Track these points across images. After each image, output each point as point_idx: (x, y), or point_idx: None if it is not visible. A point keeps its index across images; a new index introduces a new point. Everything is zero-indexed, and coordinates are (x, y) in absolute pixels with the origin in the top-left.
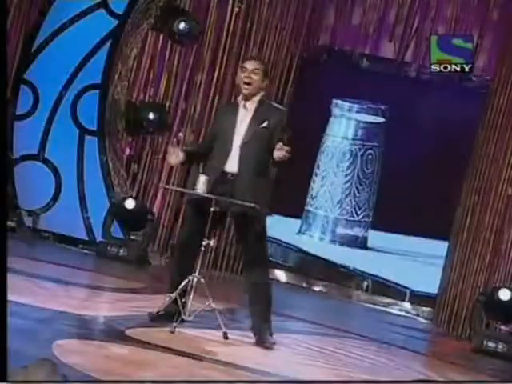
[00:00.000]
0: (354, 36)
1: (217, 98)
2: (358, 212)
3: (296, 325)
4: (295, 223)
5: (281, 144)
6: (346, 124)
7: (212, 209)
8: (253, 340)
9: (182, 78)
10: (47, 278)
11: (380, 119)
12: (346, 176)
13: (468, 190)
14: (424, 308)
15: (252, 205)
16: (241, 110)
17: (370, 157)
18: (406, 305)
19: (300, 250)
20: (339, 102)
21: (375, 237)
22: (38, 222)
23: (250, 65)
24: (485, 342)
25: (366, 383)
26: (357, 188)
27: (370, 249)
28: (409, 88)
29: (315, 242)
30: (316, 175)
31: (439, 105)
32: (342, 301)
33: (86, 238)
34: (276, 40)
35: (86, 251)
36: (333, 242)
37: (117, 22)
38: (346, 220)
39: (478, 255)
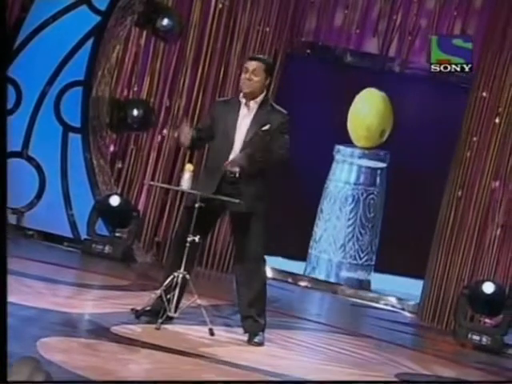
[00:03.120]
0: (338, 31)
1: (201, 94)
2: (361, 255)
3: (282, 320)
4: (300, 266)
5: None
6: (348, 169)
7: (197, 205)
8: (239, 336)
9: (166, 74)
10: (32, 275)
11: (381, 164)
12: (349, 220)
13: (451, 185)
14: (409, 302)
15: (237, 201)
16: (242, 109)
17: (372, 201)
18: (392, 299)
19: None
20: (341, 147)
21: (378, 280)
22: (22, 220)
23: (250, 65)
24: (469, 335)
25: (364, 383)
26: (360, 232)
27: (374, 291)
28: (392, 82)
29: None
30: (319, 219)
31: (422, 99)
32: (327, 295)
33: (71, 236)
34: (260, 36)
35: (70, 249)
36: (337, 285)
37: (99, 18)
38: (350, 263)
39: (462, 249)
